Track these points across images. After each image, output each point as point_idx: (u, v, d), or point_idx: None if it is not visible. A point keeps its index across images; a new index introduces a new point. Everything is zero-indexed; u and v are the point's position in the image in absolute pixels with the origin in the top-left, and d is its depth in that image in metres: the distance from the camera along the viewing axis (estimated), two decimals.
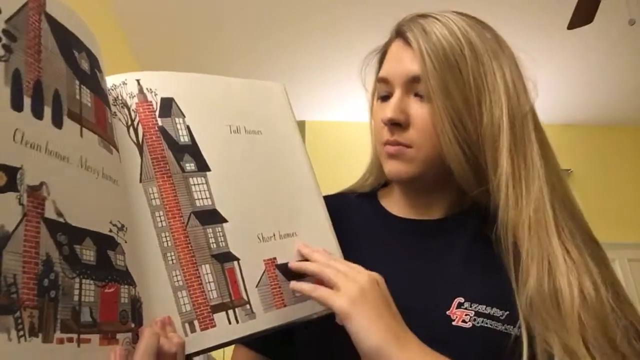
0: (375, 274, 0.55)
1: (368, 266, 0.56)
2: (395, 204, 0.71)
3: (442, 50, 0.59)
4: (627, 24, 2.48)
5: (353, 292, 0.51)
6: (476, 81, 0.59)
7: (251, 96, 0.67)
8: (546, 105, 3.90)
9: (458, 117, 0.58)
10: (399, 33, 0.66)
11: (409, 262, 0.62)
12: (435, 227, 0.67)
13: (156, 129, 0.58)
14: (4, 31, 0.39)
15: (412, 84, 0.62)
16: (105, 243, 0.45)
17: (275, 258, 0.60)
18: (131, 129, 0.58)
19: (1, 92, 0.37)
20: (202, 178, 0.58)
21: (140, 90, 0.60)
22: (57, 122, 0.42)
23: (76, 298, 0.40)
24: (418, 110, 0.61)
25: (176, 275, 0.55)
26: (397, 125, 0.62)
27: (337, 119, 3.61)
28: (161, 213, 0.56)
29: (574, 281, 0.53)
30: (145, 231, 0.54)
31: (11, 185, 0.36)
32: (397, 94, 0.62)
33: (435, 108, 0.59)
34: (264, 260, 0.59)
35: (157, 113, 0.59)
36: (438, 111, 0.58)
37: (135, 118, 0.58)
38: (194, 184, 0.58)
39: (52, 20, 0.45)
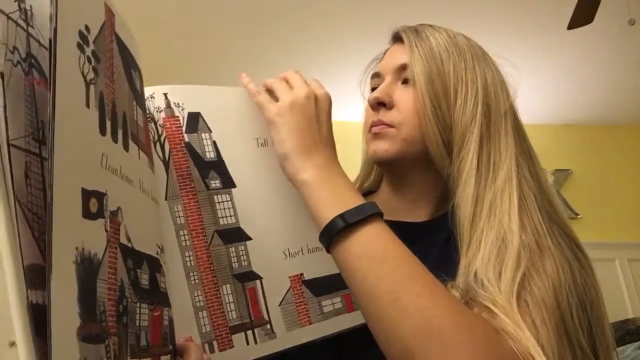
0: (317, 91, 0.60)
1: None
2: (381, 208, 0.74)
3: (429, 45, 0.66)
4: (627, 24, 2.48)
5: (284, 104, 0.57)
6: (456, 72, 0.65)
7: None
8: (546, 105, 3.87)
9: (437, 100, 0.64)
10: (395, 38, 0.72)
11: None
12: (418, 229, 0.70)
13: (182, 144, 0.58)
14: (93, 53, 0.38)
15: (400, 72, 0.68)
16: (154, 266, 0.46)
17: (302, 274, 0.59)
18: (158, 145, 0.58)
19: (92, 116, 0.37)
20: (227, 195, 0.59)
21: (168, 105, 0.60)
22: (126, 145, 0.43)
23: (137, 323, 0.41)
24: (402, 94, 0.66)
25: (198, 296, 0.55)
26: (381, 105, 0.66)
27: (340, 118, 3.44)
28: (185, 232, 0.56)
29: (524, 262, 0.52)
30: (172, 250, 0.54)
31: (100, 211, 0.36)
32: (386, 80, 0.68)
33: (418, 91, 0.64)
34: (290, 277, 0.59)
35: (183, 128, 0.59)
36: (420, 94, 0.64)
37: (162, 133, 0.58)
38: (219, 202, 0.58)
39: (119, 40, 0.45)
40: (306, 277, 0.60)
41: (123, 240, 0.39)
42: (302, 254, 0.60)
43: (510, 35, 3.10)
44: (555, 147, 3.99)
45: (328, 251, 0.52)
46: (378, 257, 0.49)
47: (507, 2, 2.85)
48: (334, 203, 0.52)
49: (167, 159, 0.58)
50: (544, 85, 3.65)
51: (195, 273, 0.56)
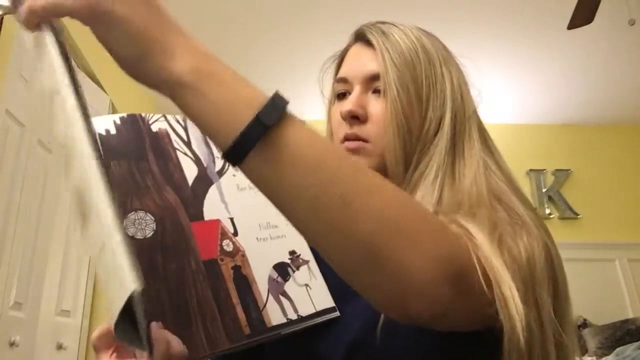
0: None
1: (323, 271, 0.62)
2: None
3: (399, 50, 0.63)
4: (627, 24, 2.49)
5: None
6: (428, 80, 0.63)
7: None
8: (546, 105, 3.93)
9: (410, 110, 0.62)
10: (359, 37, 0.69)
11: None
12: None
13: None
14: None
15: (371, 82, 0.65)
16: None
17: None
18: None
19: None
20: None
21: None
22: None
23: None
24: (376, 106, 0.64)
25: None
26: (355, 119, 0.63)
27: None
28: None
29: (500, 226, 0.50)
30: None
31: None
32: (357, 90, 0.65)
33: (390, 103, 0.61)
34: None
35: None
36: (393, 104, 0.61)
37: None
38: None
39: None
40: None
41: None
42: None
43: (511, 35, 3.16)
44: (555, 147, 4.10)
45: (239, 166, 0.38)
46: (315, 160, 0.38)
47: (508, 2, 2.89)
48: (235, 103, 0.37)
49: None
50: (544, 85, 3.70)
51: None
